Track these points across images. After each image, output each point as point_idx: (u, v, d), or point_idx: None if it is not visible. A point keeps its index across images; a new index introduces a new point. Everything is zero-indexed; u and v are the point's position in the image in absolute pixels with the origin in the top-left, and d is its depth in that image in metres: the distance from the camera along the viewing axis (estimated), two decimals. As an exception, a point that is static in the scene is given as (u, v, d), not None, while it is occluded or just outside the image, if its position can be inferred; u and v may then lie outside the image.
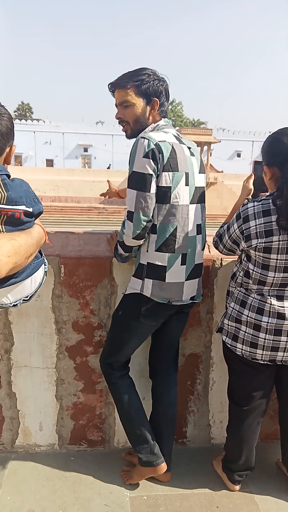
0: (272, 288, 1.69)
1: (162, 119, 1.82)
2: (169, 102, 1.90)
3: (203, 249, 1.89)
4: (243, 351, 1.76)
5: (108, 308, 2.09)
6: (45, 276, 1.51)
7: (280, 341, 1.69)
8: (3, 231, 1.22)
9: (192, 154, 1.79)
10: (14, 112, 69.92)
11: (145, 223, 1.67)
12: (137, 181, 1.65)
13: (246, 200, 1.74)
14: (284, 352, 1.71)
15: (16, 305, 1.40)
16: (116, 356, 1.93)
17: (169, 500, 1.95)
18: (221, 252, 1.91)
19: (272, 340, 1.70)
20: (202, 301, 2.11)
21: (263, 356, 1.73)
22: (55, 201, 29.26)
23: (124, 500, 1.94)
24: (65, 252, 2.03)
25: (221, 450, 2.25)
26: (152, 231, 1.72)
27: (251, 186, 1.95)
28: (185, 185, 1.72)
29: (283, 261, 1.63)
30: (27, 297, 1.43)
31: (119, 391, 1.95)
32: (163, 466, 1.96)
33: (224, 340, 1.85)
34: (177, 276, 1.76)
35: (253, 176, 1.97)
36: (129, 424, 1.97)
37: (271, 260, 1.64)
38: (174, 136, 1.77)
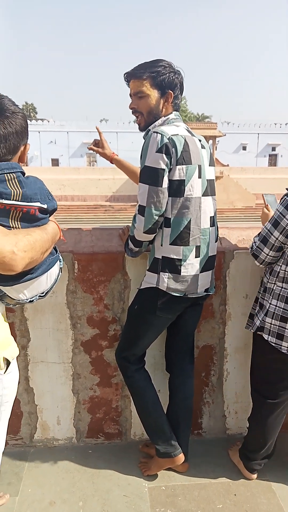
0: None
1: (173, 112, 1.82)
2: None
3: (216, 241, 1.90)
4: None
5: (122, 302, 2.12)
6: (60, 273, 1.53)
7: None
8: (18, 227, 1.25)
9: (202, 147, 1.80)
10: (18, 112, 69.81)
11: (157, 218, 1.69)
12: (150, 175, 1.66)
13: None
14: None
15: (32, 301, 1.42)
16: (132, 350, 1.95)
17: (187, 490, 1.97)
18: (264, 260, 1.80)
19: None
20: (215, 293, 2.12)
21: None
22: (61, 200, 29.34)
23: (143, 490, 1.97)
24: (78, 248, 2.06)
25: (236, 440, 2.27)
26: (166, 224, 1.73)
27: (271, 210, 1.95)
28: (198, 178, 1.74)
29: None
30: (43, 293, 1.45)
31: (136, 384, 1.97)
32: (181, 457, 1.99)
33: (267, 339, 1.81)
34: (192, 269, 1.77)
35: (268, 205, 1.97)
36: (147, 416, 2.00)
37: None
38: (186, 129, 1.78)
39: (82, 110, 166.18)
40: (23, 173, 1.29)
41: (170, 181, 1.68)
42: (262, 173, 35.43)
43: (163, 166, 1.64)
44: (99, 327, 2.13)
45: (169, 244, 1.74)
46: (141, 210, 1.69)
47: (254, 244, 1.85)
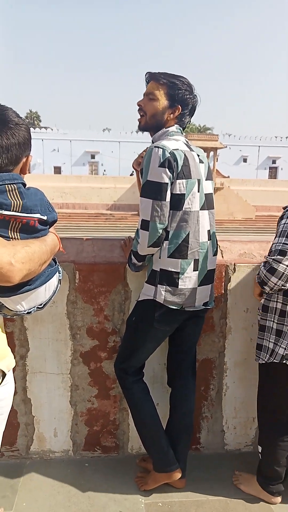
0: None
1: (175, 125, 1.84)
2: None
3: (215, 255, 1.90)
4: None
5: (122, 314, 2.11)
6: (59, 284, 1.52)
7: None
8: (17, 238, 1.25)
9: (200, 161, 1.82)
10: (22, 120, 70.39)
11: (161, 231, 1.70)
12: (153, 190, 1.67)
13: None
14: None
15: (30, 312, 1.41)
16: (130, 361, 1.94)
17: (184, 507, 1.94)
18: (283, 272, 1.61)
19: None
20: (215, 306, 2.12)
21: None
22: (62, 207, 29.47)
23: (139, 506, 1.93)
24: (79, 258, 2.05)
25: (234, 457, 2.24)
26: (165, 237, 1.74)
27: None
28: (197, 192, 1.76)
29: None
30: (41, 304, 1.44)
31: (134, 396, 1.95)
32: (178, 472, 1.96)
33: None
34: (190, 282, 1.77)
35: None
36: (144, 429, 1.98)
37: None
38: (185, 143, 1.80)
39: (85, 119, 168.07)
40: (24, 184, 1.29)
41: (171, 194, 1.69)
42: (262, 185, 35.69)
43: (166, 180, 1.65)
44: (98, 338, 2.12)
45: (167, 257, 1.74)
46: (145, 224, 1.70)
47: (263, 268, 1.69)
